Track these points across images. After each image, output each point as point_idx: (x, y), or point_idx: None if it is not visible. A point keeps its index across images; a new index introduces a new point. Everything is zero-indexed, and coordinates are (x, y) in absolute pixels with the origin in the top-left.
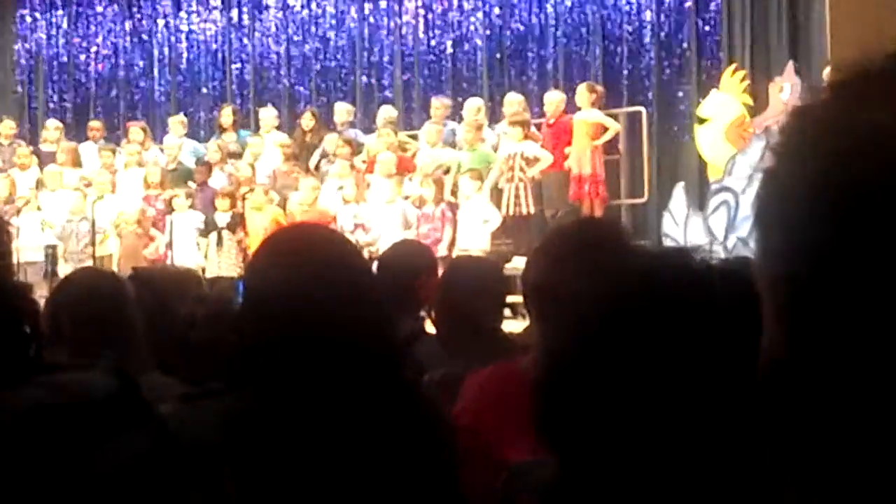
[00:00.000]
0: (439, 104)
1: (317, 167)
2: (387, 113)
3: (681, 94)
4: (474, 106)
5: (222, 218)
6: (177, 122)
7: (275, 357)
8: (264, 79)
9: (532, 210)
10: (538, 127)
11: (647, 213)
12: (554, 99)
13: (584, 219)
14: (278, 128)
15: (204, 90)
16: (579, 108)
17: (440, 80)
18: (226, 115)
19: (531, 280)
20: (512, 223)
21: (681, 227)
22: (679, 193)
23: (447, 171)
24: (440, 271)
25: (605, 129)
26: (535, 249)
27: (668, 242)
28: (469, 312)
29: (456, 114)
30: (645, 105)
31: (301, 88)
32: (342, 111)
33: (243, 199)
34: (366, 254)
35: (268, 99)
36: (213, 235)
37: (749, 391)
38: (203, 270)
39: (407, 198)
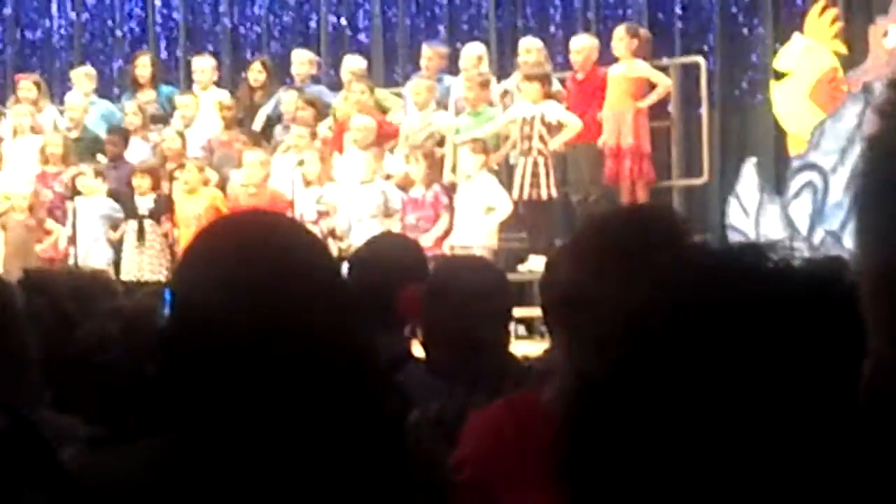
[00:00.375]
0: (431, 52)
1: (268, 135)
2: (357, 64)
3: (752, 38)
4: (476, 54)
5: (143, 203)
6: (82, 76)
7: (212, 389)
8: (197, 17)
9: (554, 194)
10: (562, 83)
11: (706, 199)
12: (583, 45)
13: (625, 207)
14: (217, 83)
15: (118, 33)
16: (616, 59)
17: (432, 20)
18: (142, 66)
19: (556, 288)
20: (527, 211)
21: (752, 217)
22: (749, 173)
23: (441, 142)
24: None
25: (652, 87)
26: (560, 248)
27: (735, 238)
28: (466, 329)
29: (453, 65)
30: (704, 54)
31: (247, 30)
32: (302, 61)
33: (171, 178)
34: (333, 251)
35: (202, 45)
36: (132, 226)
37: (848, 429)
38: (116, 273)
39: (389, 177)
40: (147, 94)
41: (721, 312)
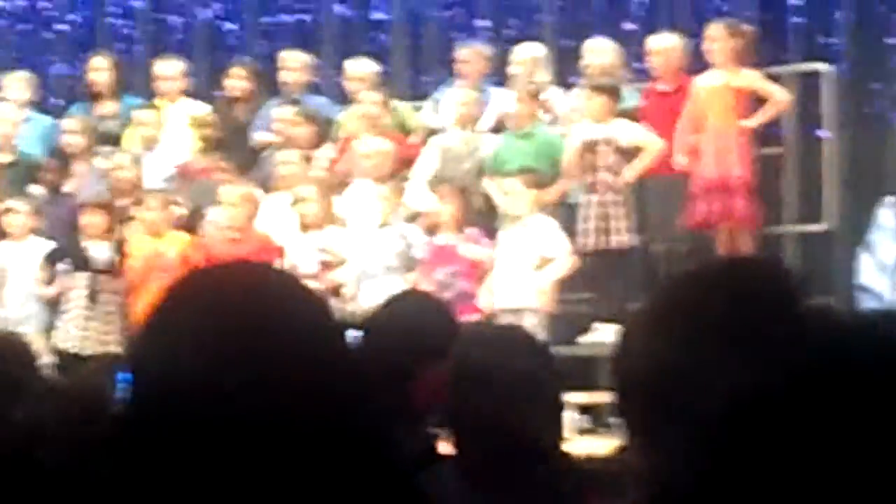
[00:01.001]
0: (470, 54)
1: (253, 163)
2: (364, 68)
3: (891, 41)
4: (531, 57)
5: (96, 251)
6: (15, 82)
7: (182, 495)
8: (163, 8)
9: (629, 242)
10: (644, 95)
11: (830, 250)
12: (664, 46)
13: (724, 260)
14: (189, 93)
15: (61, 27)
16: (711, 65)
17: (470, 13)
18: (98, 70)
19: (633, 366)
20: (594, 264)
21: (890, 274)
22: (887, 216)
23: (482, 171)
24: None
25: (761, 102)
26: (638, 313)
27: (868, 302)
28: (506, 422)
29: (498, 70)
30: (828, 60)
31: (229, 25)
32: (295, 65)
33: (123, 217)
34: (339, 315)
35: (169, 44)
36: (80, 281)
37: None
38: (51, 341)
39: (414, 218)
40: (107, 107)
41: (852, 403)
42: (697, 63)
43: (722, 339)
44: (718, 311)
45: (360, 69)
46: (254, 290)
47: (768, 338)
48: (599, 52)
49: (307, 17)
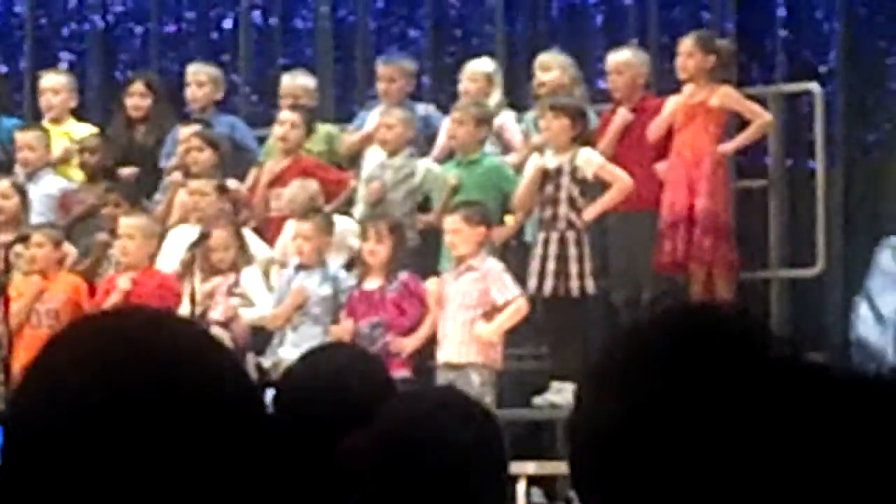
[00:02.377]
0: (390, 70)
1: (155, 188)
2: (297, 81)
3: (891, 61)
4: (483, 72)
5: None
6: None
7: None
8: (50, 12)
9: (590, 288)
10: (602, 121)
11: (822, 298)
12: (625, 62)
13: (683, 308)
14: (77, 112)
15: None
16: (684, 82)
17: (407, 21)
18: None
19: (588, 434)
20: (549, 314)
21: (890, 326)
22: (887, 260)
23: (423, 206)
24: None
25: (742, 125)
26: (588, 374)
27: (864, 358)
28: (439, 500)
29: (437, 88)
30: (820, 79)
31: (123, 32)
32: (201, 79)
33: (6, 255)
34: (251, 371)
35: (57, 54)
36: None
37: None
38: None
39: (339, 257)
40: None
41: (849, 478)
42: (667, 83)
43: (681, 401)
44: (676, 368)
45: (294, 81)
46: (148, 341)
47: (749, 402)
48: (552, 66)
49: (225, 22)
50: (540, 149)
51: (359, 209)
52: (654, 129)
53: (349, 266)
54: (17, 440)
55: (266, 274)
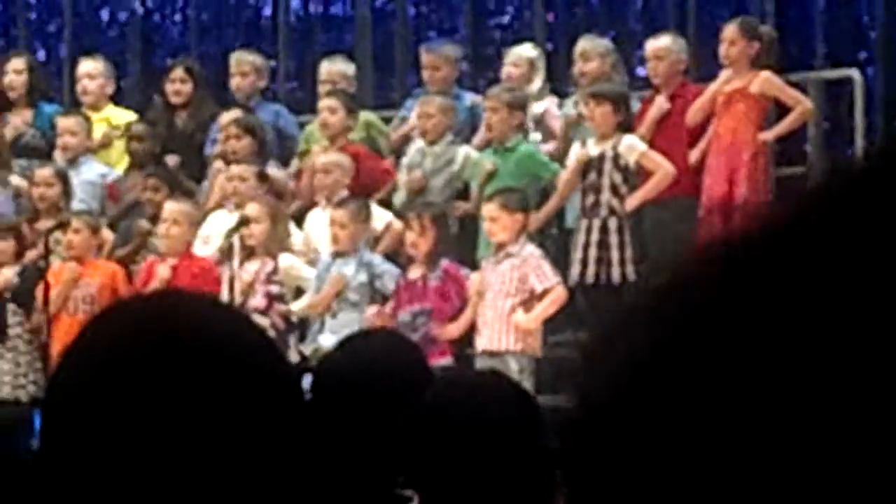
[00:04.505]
0: (434, 58)
1: (201, 175)
2: (335, 67)
3: None
4: (527, 57)
5: (3, 278)
6: None
7: None
8: (89, 2)
9: (631, 275)
10: (642, 108)
11: None
12: (665, 48)
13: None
14: (116, 99)
15: None
16: (724, 67)
17: (449, 10)
18: (12, 73)
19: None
20: (590, 301)
21: None
22: None
23: (462, 193)
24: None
25: (782, 114)
26: (590, 350)
27: None
28: (482, 483)
29: (479, 76)
30: (859, 66)
31: (164, 19)
32: (244, 68)
33: (46, 242)
34: (291, 356)
35: (95, 42)
36: None
37: None
38: None
39: (377, 242)
40: (19, 115)
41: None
42: (707, 70)
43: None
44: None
45: (333, 68)
46: (187, 324)
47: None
48: (592, 54)
49: (265, 10)
50: (579, 133)
51: (399, 196)
52: (693, 115)
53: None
54: (54, 423)
55: (312, 262)
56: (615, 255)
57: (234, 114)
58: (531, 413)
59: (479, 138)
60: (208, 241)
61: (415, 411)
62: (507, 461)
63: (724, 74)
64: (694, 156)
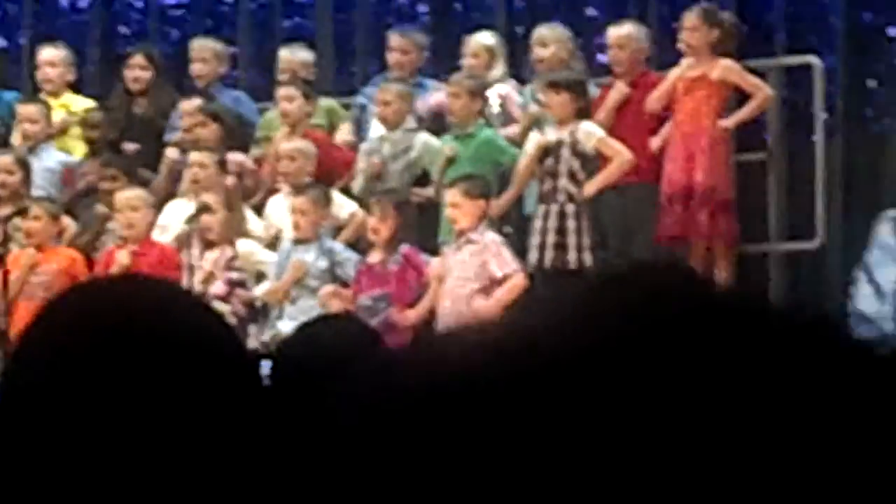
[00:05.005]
0: (403, 42)
1: (156, 166)
2: (294, 55)
3: (891, 33)
4: (483, 45)
5: None
6: None
7: None
8: None
9: (587, 261)
10: (602, 94)
11: (821, 272)
12: (627, 36)
13: (633, 268)
14: (74, 86)
15: None
16: (686, 56)
17: None
18: None
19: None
20: (548, 287)
21: (889, 299)
22: (886, 232)
23: (420, 179)
24: None
25: (742, 100)
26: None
27: (864, 330)
28: None
29: (440, 62)
30: (818, 53)
31: (122, 7)
32: (205, 55)
33: (5, 228)
34: (252, 343)
35: (55, 29)
36: None
37: None
38: None
39: (339, 231)
40: None
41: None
42: (667, 57)
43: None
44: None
45: (292, 56)
46: (146, 309)
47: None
48: (548, 41)
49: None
50: (538, 122)
51: (358, 182)
52: (653, 102)
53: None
54: (12, 405)
55: (273, 248)
56: (572, 240)
57: (195, 101)
58: None
59: (511, 129)
60: (167, 230)
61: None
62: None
63: (685, 62)
64: (655, 143)
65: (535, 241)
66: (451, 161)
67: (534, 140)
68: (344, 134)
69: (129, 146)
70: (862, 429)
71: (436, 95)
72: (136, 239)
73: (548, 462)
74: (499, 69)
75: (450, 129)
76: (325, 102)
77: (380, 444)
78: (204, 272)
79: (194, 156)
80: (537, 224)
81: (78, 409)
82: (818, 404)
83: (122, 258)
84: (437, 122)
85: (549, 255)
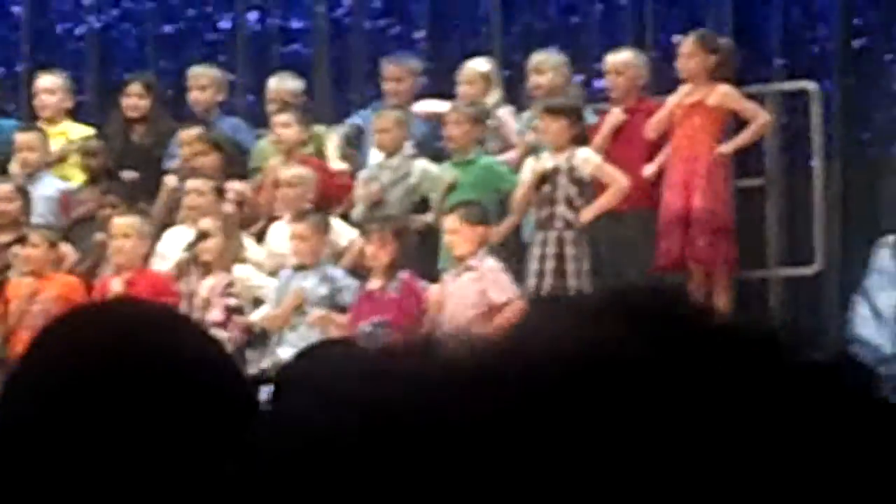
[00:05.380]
0: (397, 70)
1: (156, 189)
2: (288, 85)
3: (888, 58)
4: (479, 72)
5: None
6: None
7: None
8: (46, 15)
9: (586, 288)
10: (599, 120)
11: (820, 296)
12: (624, 63)
13: (652, 288)
14: (73, 114)
15: None
16: (684, 82)
17: (405, 21)
18: None
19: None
20: (545, 312)
21: (888, 323)
22: (884, 258)
23: (421, 206)
24: None
25: (740, 126)
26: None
27: (863, 354)
28: None
29: (437, 89)
30: (819, 77)
31: (121, 34)
32: (203, 82)
33: (3, 255)
34: (248, 369)
35: (53, 56)
36: None
37: None
38: None
39: (338, 258)
40: None
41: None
42: (664, 83)
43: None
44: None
45: (281, 86)
46: (141, 331)
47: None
48: (545, 68)
49: (222, 24)
50: (535, 149)
51: (357, 209)
52: (652, 129)
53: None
54: (7, 430)
55: (272, 274)
56: (571, 266)
57: (194, 130)
58: None
59: (508, 156)
60: (165, 258)
61: None
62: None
63: (683, 89)
64: (648, 170)
65: (533, 267)
66: (451, 188)
67: (529, 167)
68: (332, 152)
69: (128, 174)
70: (863, 454)
71: (435, 105)
72: (129, 267)
73: (539, 487)
74: (494, 95)
75: (446, 152)
76: (316, 129)
77: (378, 463)
78: (201, 298)
79: (191, 183)
80: (535, 251)
81: (72, 434)
82: (816, 432)
83: (115, 286)
84: (431, 147)
85: (548, 281)
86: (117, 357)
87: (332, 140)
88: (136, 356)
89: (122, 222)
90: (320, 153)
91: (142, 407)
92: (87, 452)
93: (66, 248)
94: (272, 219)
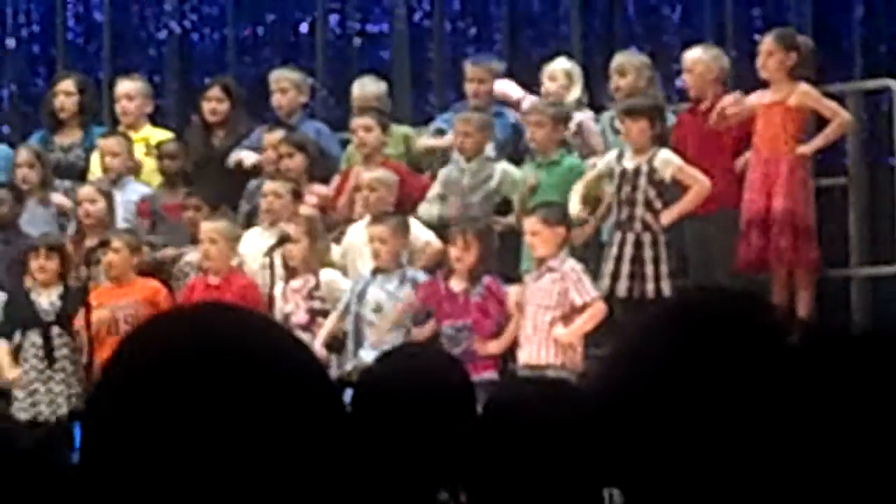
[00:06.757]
0: (479, 72)
1: (231, 193)
2: (366, 89)
3: None
4: (562, 69)
5: (45, 302)
6: None
7: None
8: (127, 19)
9: (665, 290)
10: (679, 121)
11: None
12: (697, 60)
13: (708, 295)
14: (155, 118)
15: (11, 42)
16: (763, 83)
17: (485, 24)
18: (64, 94)
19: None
20: (626, 315)
21: None
22: None
23: (502, 207)
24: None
25: (821, 124)
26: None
27: None
28: (546, 500)
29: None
30: None
31: (201, 38)
32: (284, 85)
33: (88, 261)
34: (332, 371)
35: (133, 60)
36: (32, 339)
37: None
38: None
39: (419, 262)
40: (70, 136)
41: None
42: (743, 82)
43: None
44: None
45: (363, 90)
46: (230, 338)
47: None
48: (628, 69)
49: (302, 27)
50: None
51: (433, 208)
52: (722, 118)
53: None
54: (93, 438)
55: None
56: (649, 270)
57: (278, 132)
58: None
59: (591, 160)
60: (243, 259)
61: (479, 419)
62: (570, 461)
63: (760, 92)
64: (740, 163)
65: (608, 268)
66: (533, 189)
67: (605, 161)
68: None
69: (248, 158)
70: None
71: (512, 89)
72: (216, 271)
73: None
74: (575, 92)
75: (526, 151)
76: (401, 129)
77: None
78: (286, 301)
79: (268, 185)
80: (612, 251)
81: (161, 440)
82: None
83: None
84: (512, 147)
85: (624, 284)
86: (207, 362)
87: (425, 140)
88: (224, 359)
89: (211, 226)
90: (408, 154)
91: (233, 412)
92: (172, 456)
93: (151, 253)
94: (348, 221)
